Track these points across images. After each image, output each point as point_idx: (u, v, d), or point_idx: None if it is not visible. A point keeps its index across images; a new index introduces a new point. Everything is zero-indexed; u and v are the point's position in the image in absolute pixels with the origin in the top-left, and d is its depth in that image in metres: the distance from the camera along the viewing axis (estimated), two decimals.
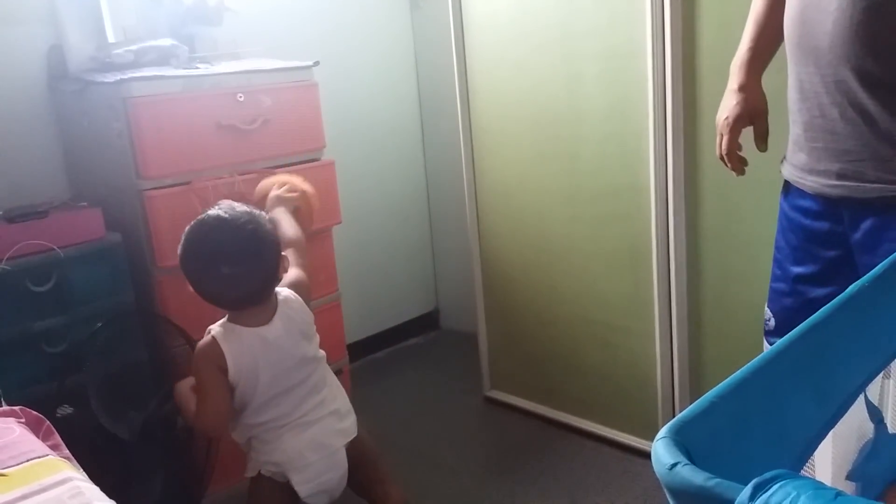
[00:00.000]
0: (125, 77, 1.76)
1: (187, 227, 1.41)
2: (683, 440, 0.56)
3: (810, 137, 1.23)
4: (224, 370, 1.39)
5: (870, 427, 0.88)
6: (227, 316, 1.44)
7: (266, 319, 1.43)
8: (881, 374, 0.89)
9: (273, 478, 1.47)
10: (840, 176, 1.20)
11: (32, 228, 1.69)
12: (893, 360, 0.88)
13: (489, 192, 2.34)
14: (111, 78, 1.77)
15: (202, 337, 1.86)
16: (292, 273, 1.56)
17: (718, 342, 1.93)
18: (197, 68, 1.90)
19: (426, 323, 3.10)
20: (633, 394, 2.10)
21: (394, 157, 2.89)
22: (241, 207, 1.42)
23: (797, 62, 1.22)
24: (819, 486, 0.46)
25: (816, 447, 0.73)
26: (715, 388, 0.62)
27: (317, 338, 1.54)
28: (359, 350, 2.79)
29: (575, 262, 2.14)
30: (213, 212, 1.40)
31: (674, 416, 0.62)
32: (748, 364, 0.66)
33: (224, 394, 1.40)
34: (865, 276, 0.85)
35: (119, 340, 1.75)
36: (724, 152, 1.38)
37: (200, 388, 1.41)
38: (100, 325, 1.69)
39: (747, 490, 0.47)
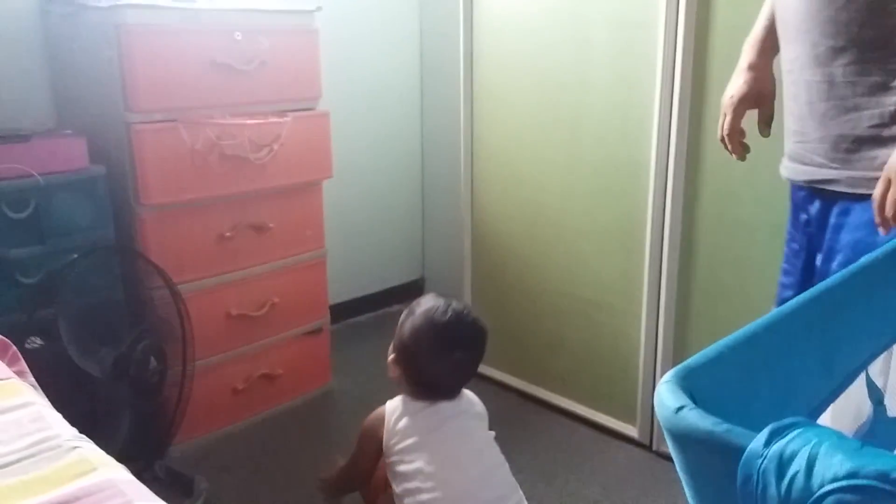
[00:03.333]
0: (120, 3, 1.69)
1: (425, 308, 1.44)
2: (689, 386, 0.52)
3: (787, 119, 1.22)
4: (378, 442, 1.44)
5: (868, 407, 0.85)
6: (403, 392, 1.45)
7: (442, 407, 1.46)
8: (884, 354, 0.86)
9: None
10: (790, 157, 1.20)
11: (13, 152, 1.63)
12: None
13: (485, 158, 2.29)
14: (105, 3, 1.71)
15: (181, 278, 1.81)
16: None
17: (705, 327, 1.90)
18: (195, 1, 1.84)
19: (411, 291, 3.05)
20: (614, 375, 2.07)
21: (391, 114, 2.83)
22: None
23: (780, 38, 1.21)
24: (842, 435, 0.42)
25: (818, 417, 0.70)
26: (724, 339, 0.59)
27: None
28: (341, 312, 2.74)
29: (567, 236, 2.11)
30: (444, 306, 1.44)
31: None
32: (759, 319, 0.63)
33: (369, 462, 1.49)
34: (878, 250, 0.82)
35: (95, 276, 1.70)
36: (724, 133, 1.33)
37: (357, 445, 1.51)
38: (76, 256, 1.63)
39: (763, 435, 0.43)
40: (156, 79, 1.74)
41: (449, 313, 1.43)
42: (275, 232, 2.06)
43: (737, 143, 1.33)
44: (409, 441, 1.36)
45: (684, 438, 0.47)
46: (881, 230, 0.94)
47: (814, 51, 1.09)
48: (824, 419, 0.75)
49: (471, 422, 1.43)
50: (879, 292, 0.81)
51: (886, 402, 0.88)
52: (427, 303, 1.45)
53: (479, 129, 2.28)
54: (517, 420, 2.17)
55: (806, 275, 1.23)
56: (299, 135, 2.03)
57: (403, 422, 1.38)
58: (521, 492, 1.42)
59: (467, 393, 1.46)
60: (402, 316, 1.46)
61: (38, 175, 1.63)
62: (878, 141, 1.03)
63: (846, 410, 0.82)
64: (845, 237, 1.09)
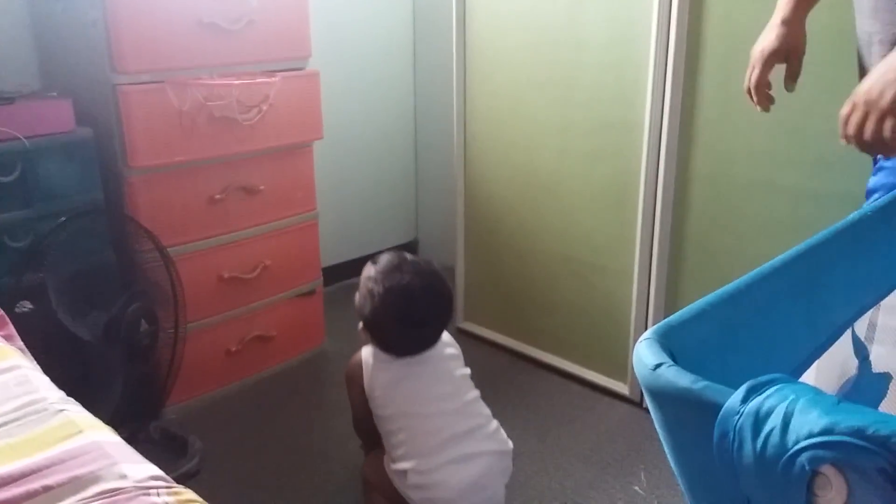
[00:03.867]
0: None
1: (384, 283, 1.45)
2: (669, 343, 0.52)
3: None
4: (362, 390, 1.53)
5: (853, 364, 0.86)
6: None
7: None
8: (870, 313, 0.86)
9: None
10: None
11: None
12: (887, 296, 0.85)
13: (479, 118, 2.27)
14: None
15: (172, 241, 1.80)
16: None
17: (697, 287, 1.90)
18: None
19: None
20: (606, 333, 2.08)
21: (383, 74, 2.79)
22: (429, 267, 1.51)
23: (855, 9, 1.20)
24: (819, 391, 0.42)
25: (801, 374, 0.70)
26: (706, 297, 0.58)
27: None
28: (334, 274, 2.74)
29: (561, 197, 2.10)
30: (410, 276, 1.46)
31: None
32: (742, 277, 0.62)
33: (363, 405, 1.55)
34: (867, 206, 0.81)
35: (84, 239, 1.69)
36: (752, 85, 1.33)
37: (350, 400, 1.59)
38: (63, 219, 1.62)
39: (740, 392, 0.43)
40: (142, 39, 1.71)
41: (411, 291, 1.45)
42: (266, 194, 2.04)
43: (763, 96, 1.33)
44: (386, 387, 1.46)
45: (662, 396, 0.47)
46: (843, 141, 0.99)
47: (890, 30, 1.08)
48: (809, 375, 0.75)
49: (445, 364, 1.50)
50: (866, 249, 0.81)
51: (871, 357, 0.88)
52: (386, 277, 1.46)
53: (472, 89, 2.25)
54: (509, 378, 2.19)
55: None
56: (289, 95, 2.00)
57: (379, 369, 1.47)
58: (495, 421, 1.50)
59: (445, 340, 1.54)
60: (362, 285, 1.50)
61: (24, 138, 1.61)
62: None
63: (832, 367, 0.83)
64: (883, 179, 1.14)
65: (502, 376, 2.20)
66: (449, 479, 1.41)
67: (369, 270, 1.51)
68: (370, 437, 1.56)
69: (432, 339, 1.49)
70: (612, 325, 2.06)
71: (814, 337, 0.71)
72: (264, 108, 1.93)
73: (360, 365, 1.52)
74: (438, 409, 1.45)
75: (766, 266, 0.65)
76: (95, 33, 1.70)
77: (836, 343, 0.80)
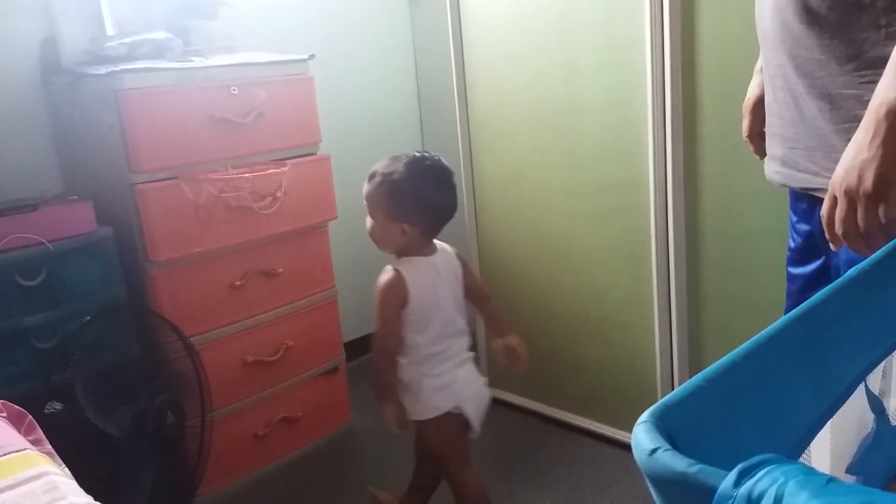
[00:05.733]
0: (117, 69, 1.73)
1: (419, 165, 1.57)
2: (666, 425, 0.52)
3: (769, 122, 1.22)
4: (404, 303, 1.55)
5: (870, 418, 0.85)
6: (397, 257, 1.59)
7: (432, 252, 1.61)
8: (882, 364, 0.86)
9: (444, 414, 1.59)
10: (783, 162, 1.18)
11: (22, 221, 1.67)
12: (895, 349, 0.85)
13: (487, 187, 2.31)
14: (103, 70, 1.75)
15: (194, 331, 1.84)
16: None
17: (719, 338, 1.89)
18: (191, 61, 1.88)
19: None
20: (632, 391, 2.06)
21: (391, 152, 2.84)
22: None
23: (760, 46, 1.21)
24: (810, 471, 0.43)
25: (814, 437, 0.70)
26: (702, 372, 0.59)
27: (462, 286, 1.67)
28: (356, 348, 2.75)
29: (574, 257, 2.11)
30: (431, 159, 1.60)
31: None
32: (739, 347, 0.63)
33: (398, 323, 1.57)
34: (866, 260, 0.82)
35: (110, 335, 1.73)
36: (745, 136, 1.36)
37: (381, 316, 1.56)
38: (88, 318, 1.66)
39: (731, 476, 0.44)
40: (156, 139, 1.78)
41: (444, 166, 1.60)
42: (284, 276, 2.08)
43: (757, 145, 1.35)
44: (423, 286, 1.55)
45: (659, 480, 0.48)
46: (832, 246, 0.93)
47: (794, 62, 1.09)
48: (823, 437, 0.75)
49: (453, 271, 1.63)
50: (870, 303, 0.81)
51: (889, 411, 0.87)
52: (417, 162, 1.57)
53: (479, 161, 2.30)
54: (540, 443, 2.17)
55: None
56: (301, 180, 2.06)
57: (417, 272, 1.56)
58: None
59: (444, 245, 1.65)
60: (388, 187, 1.55)
61: (48, 242, 1.67)
62: None
63: (847, 425, 0.82)
64: (844, 254, 1.07)
65: (532, 441, 2.18)
66: (461, 376, 1.60)
67: (392, 170, 1.56)
68: (393, 359, 1.59)
69: (453, 209, 1.61)
70: (637, 381, 2.04)
71: (821, 399, 0.71)
72: (278, 195, 1.99)
73: (398, 276, 1.54)
74: (451, 306, 1.60)
75: (763, 333, 0.66)
76: (112, 136, 1.78)
77: (850, 400, 0.79)
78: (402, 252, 1.58)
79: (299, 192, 2.06)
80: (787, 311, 1.29)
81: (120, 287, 1.81)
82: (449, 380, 1.59)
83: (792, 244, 1.28)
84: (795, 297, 1.28)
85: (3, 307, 1.63)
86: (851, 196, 0.87)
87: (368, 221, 1.60)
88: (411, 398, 1.59)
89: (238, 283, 1.97)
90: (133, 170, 1.77)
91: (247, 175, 1.91)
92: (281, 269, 2.07)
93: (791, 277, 1.29)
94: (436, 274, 1.59)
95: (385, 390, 1.59)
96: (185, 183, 1.81)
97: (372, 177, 1.59)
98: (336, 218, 2.21)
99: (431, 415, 1.59)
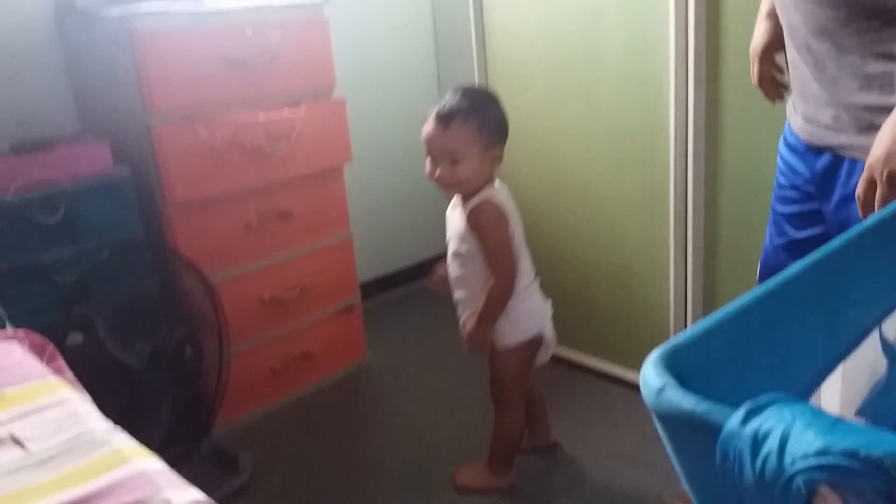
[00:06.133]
0: (130, 12, 1.71)
1: (488, 94, 1.61)
2: (675, 364, 0.53)
3: (792, 77, 1.20)
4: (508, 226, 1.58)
5: (883, 364, 0.85)
6: (472, 195, 1.58)
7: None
8: None
9: (528, 341, 1.66)
10: (806, 118, 1.17)
11: (39, 160, 1.68)
12: None
13: None
14: (116, 13, 1.73)
15: (212, 269, 1.86)
16: None
17: (733, 286, 1.88)
18: (206, 3, 1.85)
19: None
20: (645, 335, 2.07)
21: (407, 96, 2.83)
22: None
23: (776, 4, 1.18)
24: (818, 411, 0.43)
25: (824, 379, 0.70)
26: (714, 313, 0.59)
27: None
28: (372, 289, 2.78)
29: (590, 204, 2.10)
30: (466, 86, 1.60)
31: None
32: (752, 290, 0.63)
33: (514, 250, 1.60)
34: (884, 209, 0.81)
35: (128, 272, 1.75)
36: (754, 82, 1.34)
37: (501, 242, 1.57)
38: (107, 254, 1.68)
39: (739, 413, 0.44)
40: (171, 80, 1.77)
41: (473, 87, 1.63)
42: (300, 218, 2.09)
43: (768, 89, 1.33)
44: (515, 221, 1.61)
45: (667, 418, 0.48)
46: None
47: (816, 20, 1.06)
48: (834, 381, 0.75)
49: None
50: (888, 250, 0.80)
51: None
52: (462, 98, 1.52)
53: None
54: (552, 382, 2.18)
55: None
56: (315, 123, 2.05)
57: (508, 205, 1.60)
58: None
59: None
60: (462, 124, 1.50)
61: (66, 180, 1.68)
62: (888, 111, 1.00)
63: (860, 370, 0.82)
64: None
65: (543, 381, 2.20)
66: (542, 301, 1.71)
67: (464, 105, 1.52)
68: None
69: None
70: (651, 326, 2.05)
71: (834, 343, 0.71)
72: (292, 137, 1.98)
73: (498, 205, 1.56)
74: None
75: (779, 276, 0.65)
76: (127, 77, 1.76)
77: (863, 345, 0.79)
78: (482, 185, 1.57)
79: (313, 134, 2.05)
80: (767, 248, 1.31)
81: (137, 225, 1.83)
82: (535, 304, 1.67)
83: (784, 181, 1.28)
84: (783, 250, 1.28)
85: (24, 244, 1.65)
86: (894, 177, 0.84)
87: (446, 169, 1.53)
88: (505, 321, 1.62)
89: (254, 223, 1.98)
90: (148, 111, 1.77)
91: (261, 116, 1.89)
92: (296, 211, 2.08)
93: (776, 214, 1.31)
94: (509, 198, 1.62)
95: (497, 315, 1.61)
96: (200, 124, 1.81)
97: (446, 120, 1.50)
98: (351, 161, 2.20)
99: (521, 338, 1.64)
